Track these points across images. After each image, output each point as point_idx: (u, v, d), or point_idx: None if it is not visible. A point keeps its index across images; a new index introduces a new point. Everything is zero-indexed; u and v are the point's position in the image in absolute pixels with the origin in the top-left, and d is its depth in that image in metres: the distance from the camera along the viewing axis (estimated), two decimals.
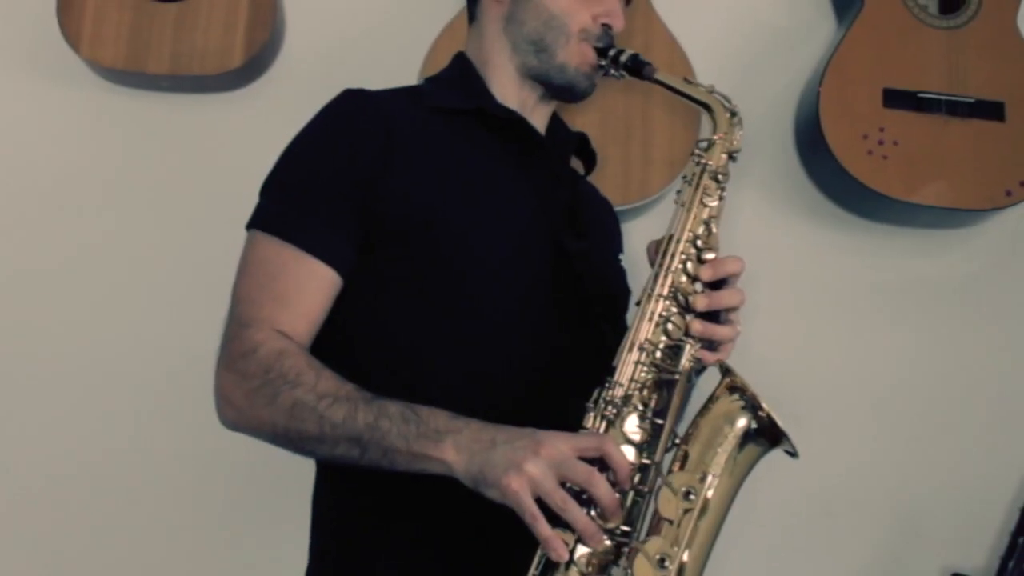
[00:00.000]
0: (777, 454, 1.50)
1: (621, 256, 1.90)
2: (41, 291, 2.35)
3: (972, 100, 2.31)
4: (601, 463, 1.35)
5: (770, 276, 2.34)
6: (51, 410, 2.30)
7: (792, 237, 2.47)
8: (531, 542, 1.35)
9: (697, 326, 1.50)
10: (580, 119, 2.20)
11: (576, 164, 1.97)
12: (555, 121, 1.91)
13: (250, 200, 1.66)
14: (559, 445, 1.33)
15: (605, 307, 1.72)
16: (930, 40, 2.34)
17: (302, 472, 1.66)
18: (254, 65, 2.33)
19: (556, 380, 1.57)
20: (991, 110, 2.32)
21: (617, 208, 2.15)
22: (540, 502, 1.32)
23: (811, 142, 2.36)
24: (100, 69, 2.30)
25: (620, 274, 1.85)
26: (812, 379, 2.38)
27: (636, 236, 1.95)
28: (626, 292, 1.83)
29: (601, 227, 1.90)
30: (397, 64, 2.18)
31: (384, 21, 2.43)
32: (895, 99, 2.30)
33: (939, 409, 2.43)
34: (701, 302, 1.51)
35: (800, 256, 2.46)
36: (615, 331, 1.61)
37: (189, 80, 2.31)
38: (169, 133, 2.40)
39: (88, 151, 2.40)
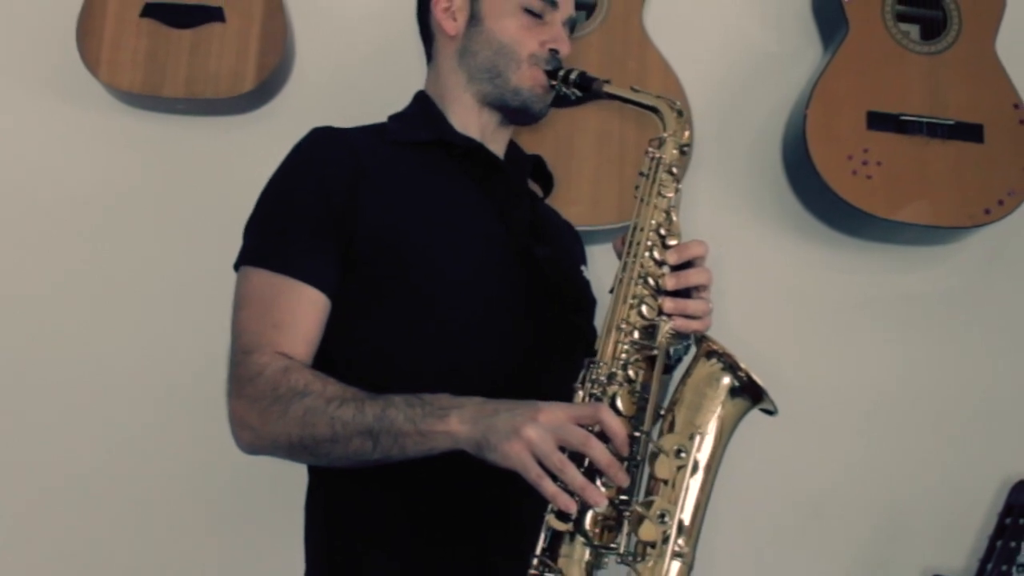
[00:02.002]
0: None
1: (584, 268, 1.93)
2: (60, 303, 2.35)
3: (952, 122, 2.33)
4: (599, 435, 1.39)
5: (759, 290, 2.40)
6: (64, 415, 2.31)
7: (780, 253, 2.48)
8: (523, 546, 1.40)
9: (668, 303, 1.54)
10: (578, 142, 2.25)
11: (535, 188, 2.01)
12: (511, 146, 1.96)
13: None
14: (557, 412, 1.38)
15: (574, 305, 1.77)
16: (912, 65, 2.37)
17: (296, 480, 1.70)
18: (265, 89, 2.35)
19: (532, 378, 1.62)
20: (970, 132, 2.34)
21: (612, 225, 2.19)
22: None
23: (798, 162, 2.38)
24: (118, 92, 2.32)
25: (586, 282, 1.88)
26: (800, 388, 2.28)
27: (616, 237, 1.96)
28: (592, 299, 1.86)
29: (563, 241, 1.95)
30: (401, 88, 2.12)
31: (388, 47, 2.43)
32: (878, 121, 2.32)
33: (922, 418, 2.44)
34: (670, 282, 1.55)
35: (788, 271, 2.48)
36: (583, 327, 1.69)
37: (203, 103, 2.32)
38: (184, 153, 2.41)
39: (106, 170, 2.41)
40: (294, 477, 1.70)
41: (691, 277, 1.56)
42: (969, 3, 2.42)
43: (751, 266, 2.42)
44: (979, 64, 2.40)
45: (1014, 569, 2.19)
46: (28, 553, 2.29)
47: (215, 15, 2.30)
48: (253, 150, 2.26)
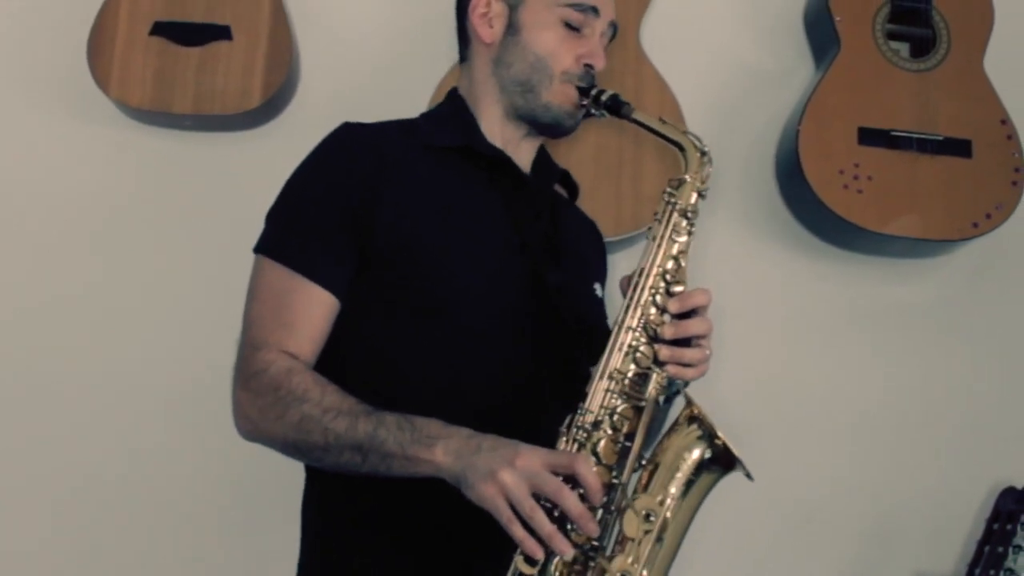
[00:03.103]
0: (758, 470, 1.50)
1: (598, 286, 1.91)
2: (73, 311, 2.38)
3: (941, 138, 2.35)
4: (574, 481, 1.40)
5: (753, 302, 2.41)
6: (74, 420, 2.34)
7: (774, 265, 2.50)
8: (507, 546, 1.42)
9: (665, 351, 1.53)
10: (576, 155, 2.25)
11: (561, 191, 2.00)
12: (541, 155, 1.93)
13: None
14: (534, 459, 1.40)
15: (579, 337, 1.74)
16: (902, 82, 2.39)
17: (294, 480, 1.72)
18: (271, 105, 2.37)
19: (529, 404, 1.63)
20: (959, 147, 2.35)
21: (608, 239, 2.16)
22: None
23: (791, 177, 2.39)
24: (128, 109, 2.34)
25: (596, 305, 1.88)
26: (791, 398, 2.41)
27: (626, 265, 1.98)
28: (602, 323, 1.84)
29: (581, 257, 1.92)
30: (404, 104, 2.13)
31: (392, 64, 2.47)
32: (869, 137, 2.34)
33: (911, 426, 2.45)
34: (668, 331, 1.54)
35: (781, 283, 2.49)
36: (588, 359, 1.65)
37: (210, 119, 2.35)
38: (192, 168, 2.43)
39: (116, 184, 2.43)
40: (290, 478, 1.72)
41: (690, 327, 1.56)
42: (958, 21, 2.43)
43: (745, 277, 2.43)
44: (968, 81, 2.42)
45: (1002, 573, 2.21)
46: (41, 557, 2.32)
47: (222, 34, 2.32)
48: (259, 165, 2.27)
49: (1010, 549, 2.23)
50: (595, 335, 1.79)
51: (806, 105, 2.36)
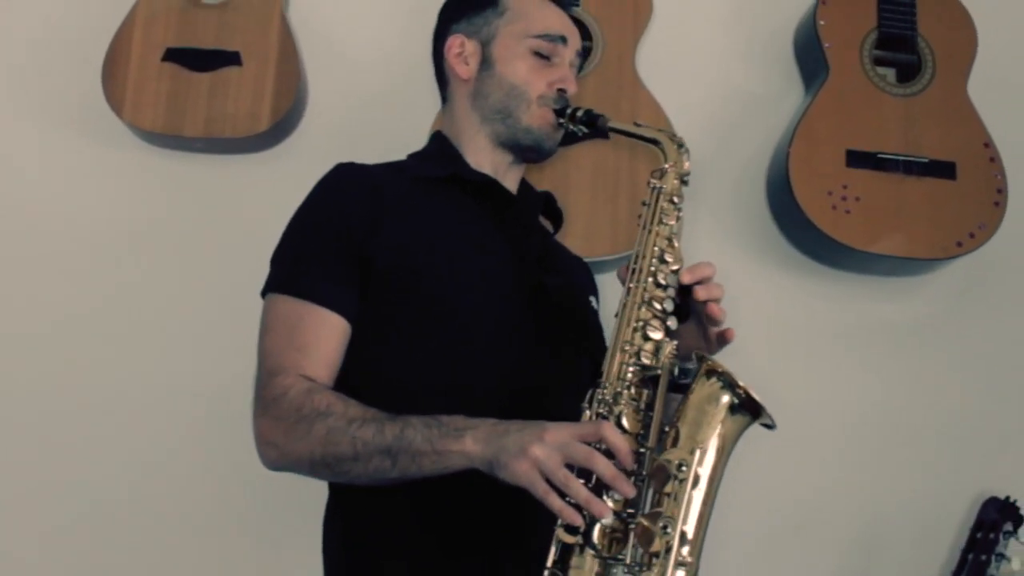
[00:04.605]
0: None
1: (592, 298, 1.96)
2: (87, 331, 2.40)
3: (926, 160, 2.37)
4: (605, 452, 1.41)
5: (746, 318, 2.23)
6: (91, 438, 2.35)
7: (764, 283, 2.52)
8: (534, 559, 1.42)
9: (701, 291, 1.61)
10: (573, 176, 2.29)
11: (545, 224, 2.04)
12: (523, 184, 2.00)
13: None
14: (562, 431, 1.41)
15: (581, 333, 1.81)
16: (889, 106, 2.42)
17: (314, 495, 1.73)
18: (279, 129, 2.40)
19: (541, 402, 1.64)
20: (943, 169, 2.38)
21: (606, 257, 2.24)
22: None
23: (781, 197, 2.42)
24: (140, 132, 2.37)
25: (593, 313, 1.92)
26: (782, 411, 2.09)
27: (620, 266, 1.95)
28: (599, 326, 1.90)
29: (572, 273, 1.97)
30: (408, 129, 2.25)
31: (395, 90, 2.50)
32: (857, 159, 2.36)
33: (898, 438, 2.47)
34: (686, 277, 1.61)
35: (772, 300, 2.51)
36: (591, 354, 1.71)
37: (221, 142, 2.38)
38: (203, 189, 2.46)
39: (129, 205, 2.46)
40: (313, 494, 1.74)
41: (711, 291, 1.62)
42: (942, 48, 2.47)
43: (737, 295, 2.22)
44: (952, 105, 2.44)
45: None
46: (55, 569, 2.34)
47: (232, 59, 2.36)
48: (268, 186, 2.38)
49: (993, 557, 2.25)
50: (597, 335, 1.88)
51: (796, 128, 2.40)
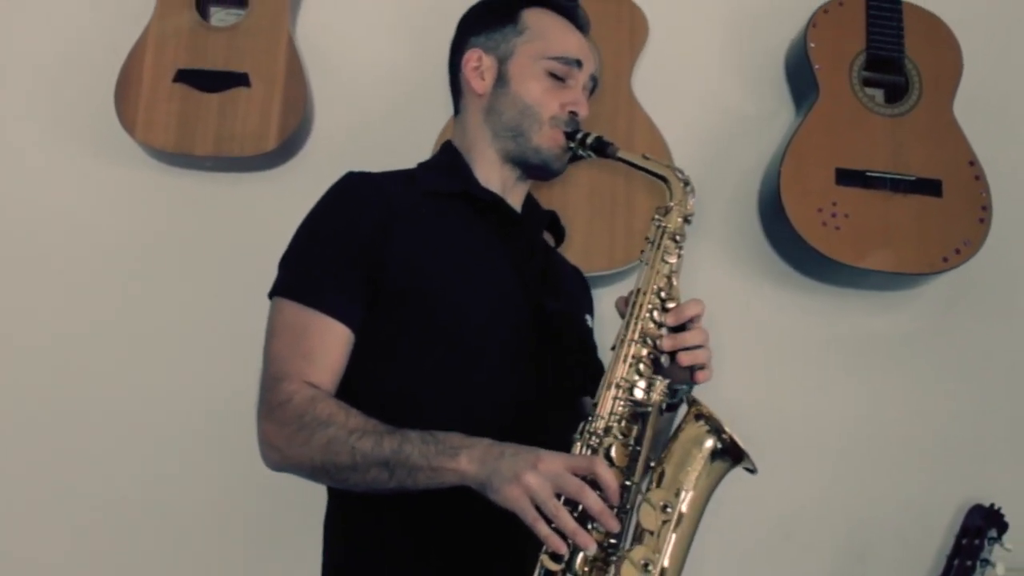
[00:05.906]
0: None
1: (588, 317, 1.97)
2: (97, 344, 2.43)
3: (913, 178, 2.41)
4: (592, 483, 1.44)
5: (738, 332, 2.42)
6: (99, 449, 2.39)
7: (756, 297, 2.56)
8: (528, 562, 1.46)
9: (667, 342, 1.60)
10: (571, 194, 2.32)
11: (548, 238, 2.05)
12: (529, 200, 2.00)
13: None
14: (555, 462, 1.44)
15: (579, 358, 1.82)
16: (877, 126, 2.45)
17: (315, 499, 1.75)
18: (286, 147, 2.43)
19: (537, 422, 1.65)
20: (930, 187, 2.41)
21: (602, 273, 2.27)
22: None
23: (773, 214, 2.45)
24: (152, 151, 2.40)
25: (588, 334, 1.93)
26: (775, 421, 2.42)
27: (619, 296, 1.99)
28: (594, 345, 1.91)
29: (571, 291, 1.98)
30: (412, 146, 2.23)
31: (400, 109, 2.54)
32: (846, 177, 2.40)
33: (886, 448, 2.50)
34: (667, 343, 1.61)
35: (764, 314, 2.55)
36: (587, 381, 1.72)
37: (230, 161, 2.40)
38: (212, 206, 2.49)
39: (141, 222, 2.48)
40: (313, 495, 1.76)
41: (687, 339, 1.62)
42: (929, 69, 2.51)
43: (730, 310, 2.45)
44: (938, 125, 2.48)
45: None
46: (64, 570, 2.37)
47: (241, 80, 2.39)
48: (275, 203, 2.33)
49: (978, 563, 2.29)
50: (592, 357, 1.90)
51: (787, 147, 2.43)
